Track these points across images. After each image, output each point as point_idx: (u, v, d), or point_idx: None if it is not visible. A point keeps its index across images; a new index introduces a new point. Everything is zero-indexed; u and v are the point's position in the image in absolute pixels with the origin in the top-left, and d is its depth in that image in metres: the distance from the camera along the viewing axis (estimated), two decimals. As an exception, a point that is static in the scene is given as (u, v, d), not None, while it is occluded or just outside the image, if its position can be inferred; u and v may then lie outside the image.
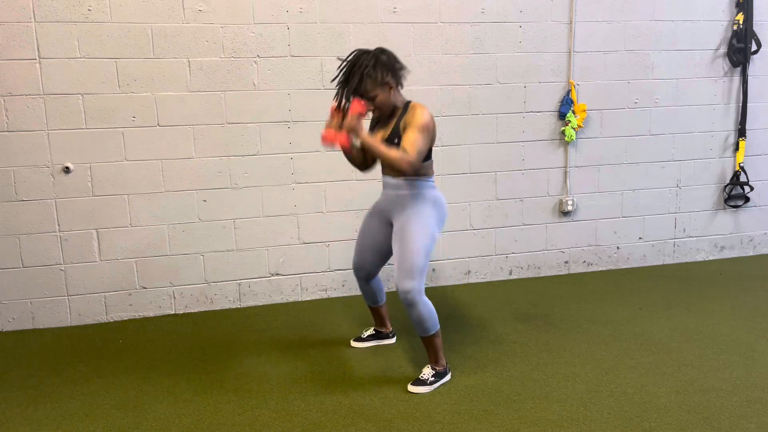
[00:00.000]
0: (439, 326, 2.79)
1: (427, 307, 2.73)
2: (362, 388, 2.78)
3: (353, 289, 3.99)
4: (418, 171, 2.77)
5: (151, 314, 3.74)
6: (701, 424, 2.43)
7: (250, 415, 2.59)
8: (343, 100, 2.69)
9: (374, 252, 2.99)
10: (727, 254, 4.62)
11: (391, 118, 2.80)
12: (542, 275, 4.31)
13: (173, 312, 3.77)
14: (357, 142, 2.72)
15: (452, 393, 2.72)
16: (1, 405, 2.72)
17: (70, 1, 3.38)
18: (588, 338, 3.25)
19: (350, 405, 2.65)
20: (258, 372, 2.97)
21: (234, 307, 3.85)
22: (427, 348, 2.82)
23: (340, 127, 2.67)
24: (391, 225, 2.90)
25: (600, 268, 4.40)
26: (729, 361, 2.96)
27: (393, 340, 3.27)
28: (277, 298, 3.90)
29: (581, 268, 4.37)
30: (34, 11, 3.35)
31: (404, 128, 2.69)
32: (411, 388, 2.76)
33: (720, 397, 2.63)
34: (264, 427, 2.49)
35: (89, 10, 3.41)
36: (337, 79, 2.73)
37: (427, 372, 2.81)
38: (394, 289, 4.01)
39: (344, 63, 2.72)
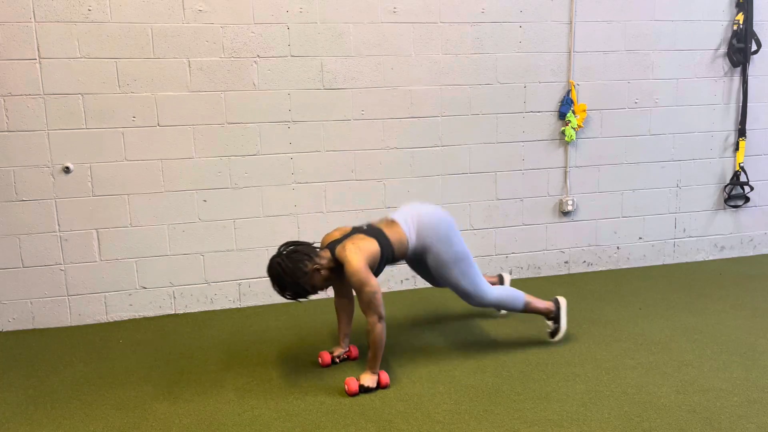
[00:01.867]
0: (522, 298, 3.10)
1: (499, 297, 3.05)
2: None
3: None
4: (398, 254, 2.93)
5: (151, 314, 3.74)
6: (701, 424, 2.43)
7: (250, 415, 2.59)
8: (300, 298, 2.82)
9: (432, 278, 3.21)
10: (727, 254, 4.62)
11: (341, 273, 2.88)
12: (542, 275, 4.31)
13: (173, 312, 3.77)
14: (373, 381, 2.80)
15: (452, 393, 2.72)
16: (1, 405, 2.72)
17: (70, 1, 3.38)
18: (588, 338, 3.25)
19: (350, 405, 2.65)
20: (258, 372, 2.97)
21: (234, 307, 3.85)
22: (534, 313, 3.18)
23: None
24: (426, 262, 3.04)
25: (600, 268, 4.40)
26: (729, 361, 2.96)
27: (505, 279, 3.61)
28: (277, 298, 3.90)
29: (581, 268, 4.37)
30: (34, 11, 3.35)
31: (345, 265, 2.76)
32: (553, 340, 3.19)
33: (720, 397, 2.63)
34: (264, 427, 2.49)
35: (89, 10, 3.41)
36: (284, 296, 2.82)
37: (549, 325, 3.19)
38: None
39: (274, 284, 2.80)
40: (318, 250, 2.84)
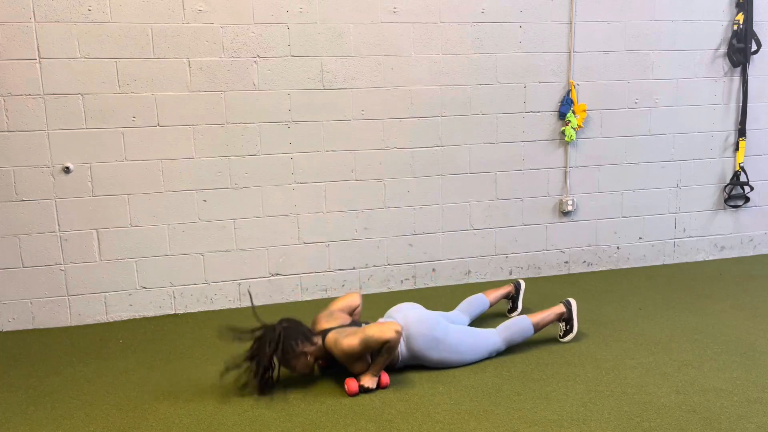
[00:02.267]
0: (529, 324, 3.10)
1: (508, 338, 3.06)
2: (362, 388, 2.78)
3: (353, 289, 4.00)
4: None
5: (151, 314, 3.74)
6: (701, 424, 2.43)
7: (250, 415, 2.59)
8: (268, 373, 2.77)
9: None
10: (727, 254, 4.62)
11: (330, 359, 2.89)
12: (542, 275, 4.30)
13: (173, 312, 3.77)
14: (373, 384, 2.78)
15: (452, 393, 2.72)
16: (1, 405, 2.72)
17: (70, 1, 3.38)
18: (588, 338, 3.25)
19: (350, 405, 2.65)
20: (258, 372, 2.97)
21: (234, 307, 3.85)
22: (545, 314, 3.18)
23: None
24: None
25: (600, 268, 4.40)
26: (729, 361, 2.96)
27: (522, 286, 3.64)
28: (277, 298, 3.90)
29: (581, 268, 4.37)
30: (34, 11, 3.35)
31: (344, 357, 2.72)
32: (563, 340, 3.21)
33: (720, 397, 2.63)
34: (264, 427, 2.49)
35: (89, 10, 3.41)
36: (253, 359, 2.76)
37: (561, 327, 3.23)
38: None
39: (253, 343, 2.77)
40: (312, 335, 2.82)
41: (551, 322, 3.18)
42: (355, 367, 2.75)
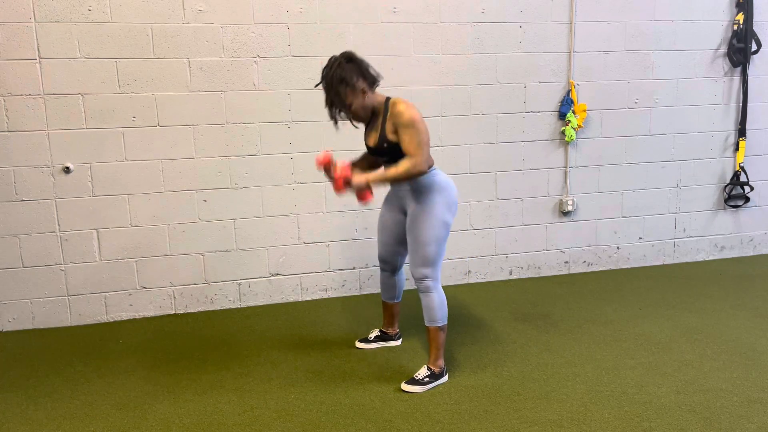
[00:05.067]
0: (446, 321, 2.83)
1: (440, 297, 2.80)
2: (362, 388, 2.78)
3: (353, 289, 3.99)
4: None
5: (151, 314, 3.74)
6: (701, 424, 2.43)
7: (250, 415, 2.59)
8: (333, 116, 2.72)
9: (395, 242, 3.01)
10: (727, 254, 4.62)
11: (374, 120, 2.81)
12: (542, 275, 4.31)
13: (173, 312, 3.77)
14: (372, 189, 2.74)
15: (452, 393, 2.72)
16: (1, 405, 2.72)
17: (70, 1, 3.38)
18: (588, 338, 3.25)
19: (350, 405, 2.65)
20: (258, 372, 2.97)
21: (234, 307, 3.85)
22: (430, 342, 2.83)
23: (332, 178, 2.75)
24: (404, 213, 2.91)
25: (600, 268, 4.40)
26: (729, 361, 2.96)
27: (398, 342, 3.26)
28: (277, 298, 3.90)
29: (581, 268, 4.37)
30: (34, 11, 3.35)
31: (394, 131, 2.68)
32: (405, 386, 2.76)
33: (720, 397, 2.63)
34: (264, 427, 2.49)
35: (89, 10, 3.41)
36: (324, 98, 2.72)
37: (422, 372, 2.81)
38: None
39: (322, 78, 2.71)
40: (377, 79, 2.75)
41: (436, 349, 2.83)
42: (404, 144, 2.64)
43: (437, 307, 2.80)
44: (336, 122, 2.75)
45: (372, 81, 2.73)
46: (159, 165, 3.62)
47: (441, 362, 2.84)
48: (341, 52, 2.73)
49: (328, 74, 2.67)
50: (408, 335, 3.33)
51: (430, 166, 2.78)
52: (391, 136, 2.70)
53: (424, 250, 2.75)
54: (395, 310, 3.22)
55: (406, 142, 2.65)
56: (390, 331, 3.25)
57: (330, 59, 2.70)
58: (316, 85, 2.79)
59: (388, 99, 2.76)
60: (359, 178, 2.68)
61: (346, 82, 2.64)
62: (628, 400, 2.62)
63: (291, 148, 3.78)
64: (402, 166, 2.65)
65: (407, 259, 2.92)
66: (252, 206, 3.78)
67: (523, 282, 4.19)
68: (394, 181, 2.71)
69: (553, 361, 3.00)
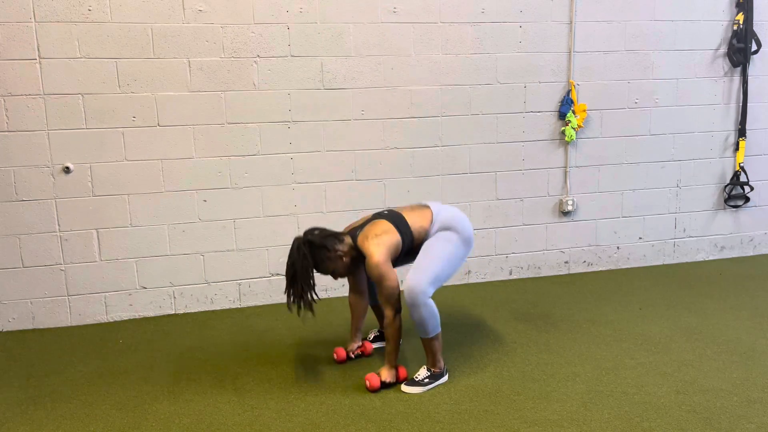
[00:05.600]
0: (440, 329, 2.79)
1: (430, 310, 2.72)
2: (362, 388, 2.78)
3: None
4: (417, 240, 2.85)
5: (151, 314, 3.74)
6: (701, 424, 2.43)
7: (250, 415, 2.59)
8: (305, 302, 2.75)
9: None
10: (727, 254, 4.62)
11: (360, 264, 2.91)
12: (542, 275, 4.30)
13: (173, 312, 3.77)
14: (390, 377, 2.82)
15: (452, 393, 2.72)
16: (1, 405, 2.72)
17: (70, 1, 3.38)
18: (588, 338, 3.25)
19: (350, 405, 2.65)
20: (258, 372, 2.97)
21: (234, 307, 3.85)
22: (426, 349, 2.81)
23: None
24: None
25: (600, 268, 4.40)
26: (729, 361, 2.96)
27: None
28: (277, 298, 3.90)
29: (581, 268, 4.37)
30: (34, 11, 3.35)
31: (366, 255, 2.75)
32: (405, 388, 2.76)
33: (720, 397, 2.63)
34: (264, 427, 2.49)
35: (89, 10, 3.41)
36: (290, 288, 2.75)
37: (422, 373, 2.81)
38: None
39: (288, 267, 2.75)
40: (342, 235, 2.84)
41: (433, 355, 2.82)
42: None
43: (429, 320, 2.73)
44: (304, 309, 2.74)
45: (339, 239, 2.79)
46: (159, 165, 3.62)
47: (440, 363, 2.83)
48: (296, 241, 2.75)
49: (295, 262, 2.71)
50: (408, 335, 3.33)
51: (425, 233, 2.84)
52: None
53: (429, 262, 2.76)
54: None
55: (381, 294, 2.73)
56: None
57: (291, 249, 2.74)
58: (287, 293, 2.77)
59: (354, 239, 2.82)
60: (387, 375, 2.77)
61: (322, 258, 2.74)
62: (628, 400, 2.62)
63: (291, 148, 3.78)
64: (389, 326, 2.74)
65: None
66: (252, 206, 3.78)
67: (523, 282, 4.19)
68: (397, 342, 2.78)
69: (553, 361, 3.00)
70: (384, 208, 2.99)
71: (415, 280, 2.70)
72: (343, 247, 2.80)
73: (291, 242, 3.84)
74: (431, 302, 2.73)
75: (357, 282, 3.05)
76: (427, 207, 2.92)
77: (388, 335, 2.76)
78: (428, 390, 2.76)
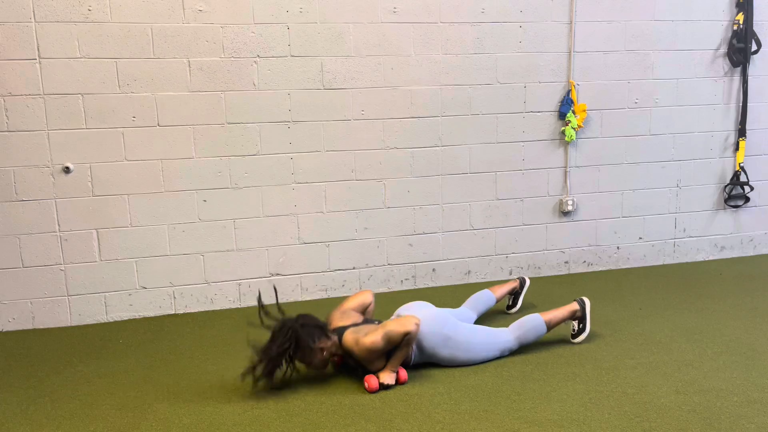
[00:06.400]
0: (541, 321, 3.09)
1: (521, 337, 3.06)
2: (362, 388, 2.78)
3: (353, 289, 3.99)
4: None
5: (151, 314, 3.74)
6: (701, 424, 2.43)
7: (250, 415, 2.59)
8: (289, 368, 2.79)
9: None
10: (727, 254, 4.62)
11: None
12: (542, 275, 4.30)
13: (173, 312, 3.77)
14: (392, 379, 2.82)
15: (452, 393, 2.72)
16: (1, 405, 2.72)
17: (70, 1, 3.38)
18: (588, 338, 3.24)
19: (350, 405, 2.65)
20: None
21: (234, 307, 3.85)
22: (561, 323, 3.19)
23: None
24: None
25: (600, 268, 4.40)
26: (729, 361, 2.96)
27: (527, 283, 3.67)
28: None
29: (581, 268, 4.37)
30: (34, 11, 3.35)
31: (366, 354, 2.74)
32: (575, 341, 3.19)
33: (720, 397, 2.63)
34: (264, 427, 2.49)
35: (89, 10, 3.41)
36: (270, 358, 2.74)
37: (573, 325, 3.21)
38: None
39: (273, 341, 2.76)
40: (329, 331, 2.84)
41: (564, 320, 3.17)
42: (375, 364, 2.76)
43: (533, 333, 3.09)
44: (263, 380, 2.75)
45: (324, 333, 2.80)
46: (159, 165, 3.62)
47: (570, 307, 3.19)
48: (286, 324, 2.76)
49: (280, 339, 2.72)
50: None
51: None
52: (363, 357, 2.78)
53: (484, 360, 2.99)
54: (505, 292, 3.59)
55: (374, 361, 2.76)
56: (514, 290, 3.64)
57: (278, 330, 2.74)
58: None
59: (339, 338, 2.82)
60: (387, 377, 2.77)
61: (307, 351, 2.74)
62: (628, 400, 2.62)
63: (291, 148, 3.78)
64: (407, 338, 2.74)
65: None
66: (252, 206, 3.78)
67: (523, 282, 4.19)
68: (407, 352, 2.79)
69: (553, 361, 3.00)
70: (375, 319, 3.01)
71: (499, 357, 3.02)
72: (327, 343, 2.79)
73: (291, 240, 3.85)
74: (515, 335, 3.05)
75: None
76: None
77: (403, 344, 2.74)
78: (589, 327, 3.19)
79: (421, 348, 2.89)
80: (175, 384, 2.88)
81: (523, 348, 3.13)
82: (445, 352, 2.91)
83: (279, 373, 2.76)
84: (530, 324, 3.08)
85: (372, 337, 2.70)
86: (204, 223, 3.73)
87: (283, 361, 2.74)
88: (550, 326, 3.12)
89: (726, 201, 4.54)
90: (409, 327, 2.70)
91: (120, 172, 3.57)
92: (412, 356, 2.89)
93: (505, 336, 3.04)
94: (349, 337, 2.77)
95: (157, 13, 3.49)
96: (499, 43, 3.99)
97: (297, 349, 2.73)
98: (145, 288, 3.71)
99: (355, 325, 2.86)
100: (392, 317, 2.99)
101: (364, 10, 3.75)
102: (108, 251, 3.63)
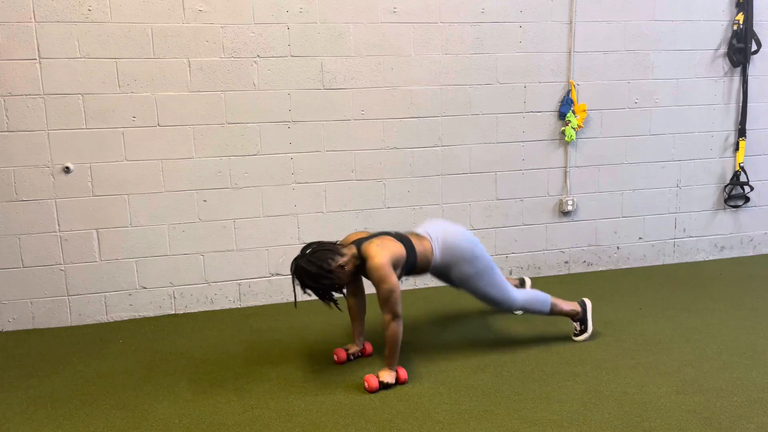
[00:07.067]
0: (549, 300, 3.13)
1: (526, 301, 3.09)
2: (362, 388, 2.78)
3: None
4: (418, 267, 2.93)
5: (151, 314, 3.74)
6: (701, 424, 2.43)
7: (250, 415, 2.59)
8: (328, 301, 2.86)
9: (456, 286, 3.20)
10: (727, 254, 4.62)
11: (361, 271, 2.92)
12: (542, 275, 4.30)
13: (173, 312, 3.77)
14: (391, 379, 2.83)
15: (452, 393, 2.72)
16: (1, 405, 2.72)
17: (70, 1, 3.38)
18: (588, 338, 3.24)
19: (350, 405, 2.65)
20: (258, 372, 2.97)
21: (234, 307, 3.85)
22: (560, 317, 3.21)
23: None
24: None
25: (600, 268, 4.40)
26: (729, 361, 2.96)
27: (527, 283, 3.67)
28: (277, 298, 3.90)
29: (581, 268, 4.37)
30: (34, 11, 3.35)
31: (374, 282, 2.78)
32: (576, 339, 3.21)
33: (720, 397, 2.63)
34: (264, 427, 2.49)
35: (89, 10, 3.41)
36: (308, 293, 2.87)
37: (575, 326, 3.22)
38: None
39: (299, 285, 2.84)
40: (341, 247, 2.86)
41: (564, 314, 3.21)
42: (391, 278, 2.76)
43: (538, 305, 3.16)
44: (333, 300, 2.86)
45: (336, 252, 2.81)
46: (159, 165, 3.62)
47: (574, 306, 3.22)
48: (295, 260, 2.81)
49: (303, 281, 2.79)
50: (408, 337, 3.33)
51: (426, 262, 2.93)
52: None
53: (490, 298, 3.04)
54: None
55: (380, 297, 2.77)
56: None
57: (294, 263, 2.81)
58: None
59: (358, 249, 2.84)
60: (386, 376, 2.78)
61: (322, 275, 2.76)
62: (628, 400, 2.62)
63: (291, 148, 3.78)
64: (386, 329, 2.77)
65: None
66: (252, 206, 3.78)
67: (523, 282, 4.19)
68: (396, 345, 2.79)
69: (553, 360, 3.00)
70: (392, 230, 3.03)
71: (499, 309, 3.10)
72: (344, 258, 2.81)
73: (291, 240, 3.85)
74: (520, 299, 3.07)
75: (355, 285, 3.06)
76: (422, 236, 2.97)
77: (385, 338, 2.78)
78: (591, 328, 3.21)
79: (446, 257, 2.93)
80: (175, 384, 2.88)
81: (523, 348, 3.14)
82: (467, 268, 2.94)
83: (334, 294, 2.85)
84: (540, 297, 3.15)
85: (379, 252, 2.76)
86: (204, 223, 3.73)
87: (324, 295, 2.81)
88: (553, 311, 3.17)
89: (726, 201, 4.54)
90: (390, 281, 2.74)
91: (120, 172, 3.57)
92: (431, 263, 2.94)
93: (516, 293, 3.08)
94: (365, 244, 2.82)
95: (157, 13, 3.49)
96: (499, 43, 3.99)
97: (318, 278, 2.75)
98: (145, 288, 3.71)
99: (373, 236, 2.91)
100: (418, 229, 3.05)
101: (364, 10, 3.75)
102: (108, 251, 3.63)
